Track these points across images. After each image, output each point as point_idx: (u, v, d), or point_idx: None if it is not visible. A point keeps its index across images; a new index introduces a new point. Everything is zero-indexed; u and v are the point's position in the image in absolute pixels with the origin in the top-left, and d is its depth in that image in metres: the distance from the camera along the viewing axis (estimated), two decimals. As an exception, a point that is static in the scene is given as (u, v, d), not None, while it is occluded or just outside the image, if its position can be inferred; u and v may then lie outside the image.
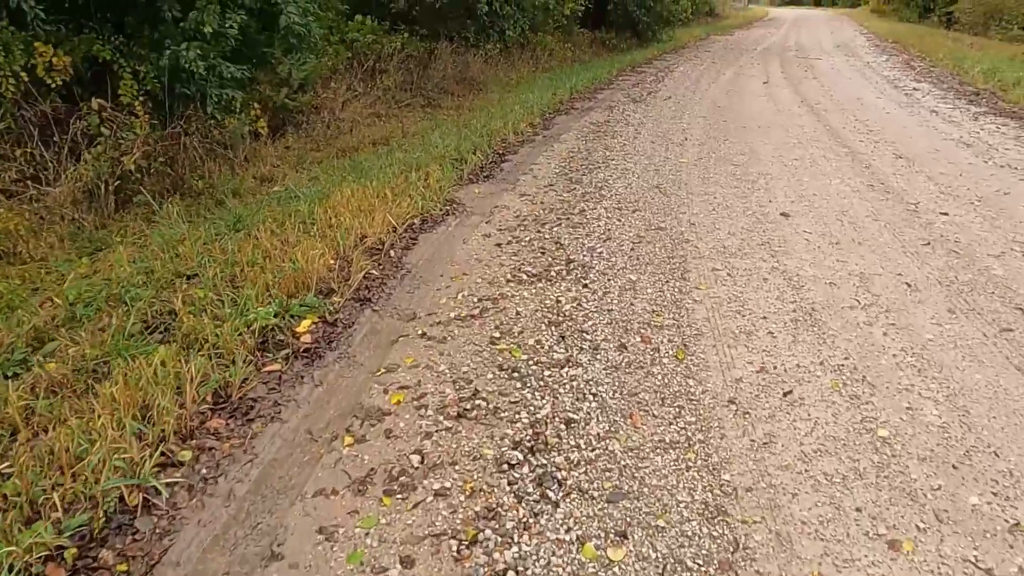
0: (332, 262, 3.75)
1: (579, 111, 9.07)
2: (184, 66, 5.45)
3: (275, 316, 3.06)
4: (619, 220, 4.55)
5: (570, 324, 3.11)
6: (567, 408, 2.47)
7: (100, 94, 5.49)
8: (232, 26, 5.63)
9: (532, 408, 2.47)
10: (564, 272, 3.69)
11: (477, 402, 2.51)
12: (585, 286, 3.50)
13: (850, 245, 4.05)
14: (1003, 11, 20.61)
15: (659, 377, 2.66)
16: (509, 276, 3.66)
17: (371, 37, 10.89)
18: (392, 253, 4.01)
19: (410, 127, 7.84)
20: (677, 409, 2.45)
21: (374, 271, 3.72)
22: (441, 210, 4.80)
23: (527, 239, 4.23)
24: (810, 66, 14.31)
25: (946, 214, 4.62)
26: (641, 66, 14.82)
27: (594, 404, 2.48)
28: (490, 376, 2.69)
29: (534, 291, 3.47)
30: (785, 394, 2.52)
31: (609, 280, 3.58)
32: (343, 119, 7.66)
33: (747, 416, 2.40)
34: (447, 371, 2.74)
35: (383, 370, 2.76)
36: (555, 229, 4.39)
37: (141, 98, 5.54)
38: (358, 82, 8.93)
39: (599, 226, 4.44)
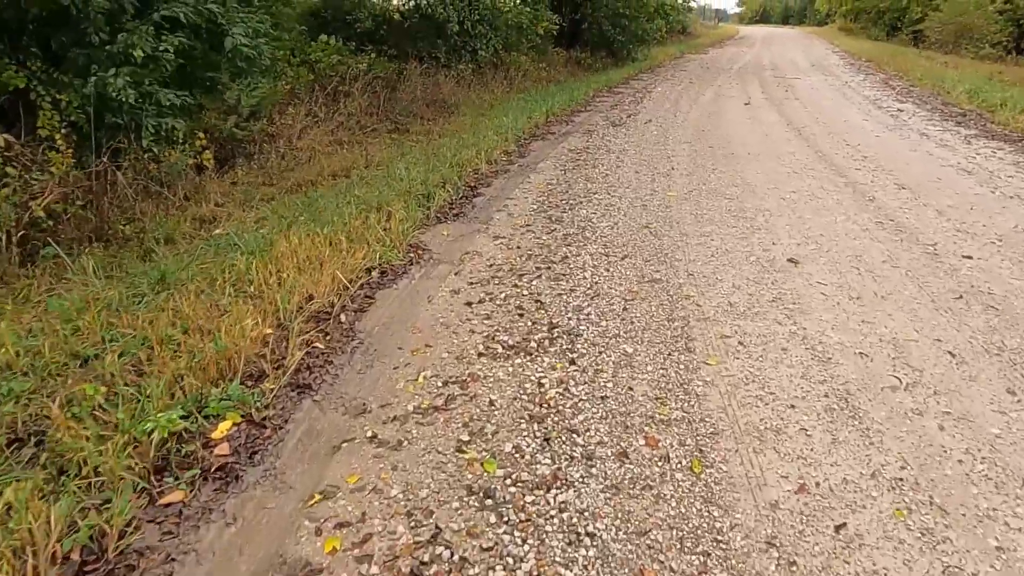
0: (269, 332, 3.13)
1: (556, 136, 8.55)
2: (111, 94, 4.80)
3: (184, 418, 2.42)
4: (607, 270, 3.98)
5: (556, 419, 2.51)
6: (557, 558, 1.86)
7: (15, 127, 4.83)
8: (167, 49, 4.99)
9: (510, 560, 1.86)
10: (547, 341, 3.10)
11: (438, 550, 1.90)
12: (572, 362, 2.92)
13: (873, 300, 3.52)
14: (973, 30, 20.75)
15: (673, 503, 2.07)
16: (481, 347, 3.07)
17: (335, 58, 10.32)
18: (343, 318, 3.39)
19: (375, 155, 7.24)
20: (702, 559, 1.86)
21: (319, 343, 3.10)
22: (404, 258, 4.19)
23: (502, 295, 3.64)
24: (789, 86, 14.04)
25: (970, 257, 4.14)
26: (618, 86, 14.44)
27: (592, 552, 1.88)
28: (456, 505, 2.08)
29: (511, 369, 2.88)
30: (837, 529, 1.95)
31: (601, 353, 3.00)
32: (301, 148, 7.04)
33: (794, 569, 1.82)
34: (401, 497, 2.12)
35: (318, 496, 2.13)
36: (534, 282, 3.81)
37: (64, 130, 4.88)
38: (319, 107, 8.32)
39: (585, 278, 3.87)
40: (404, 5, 12.70)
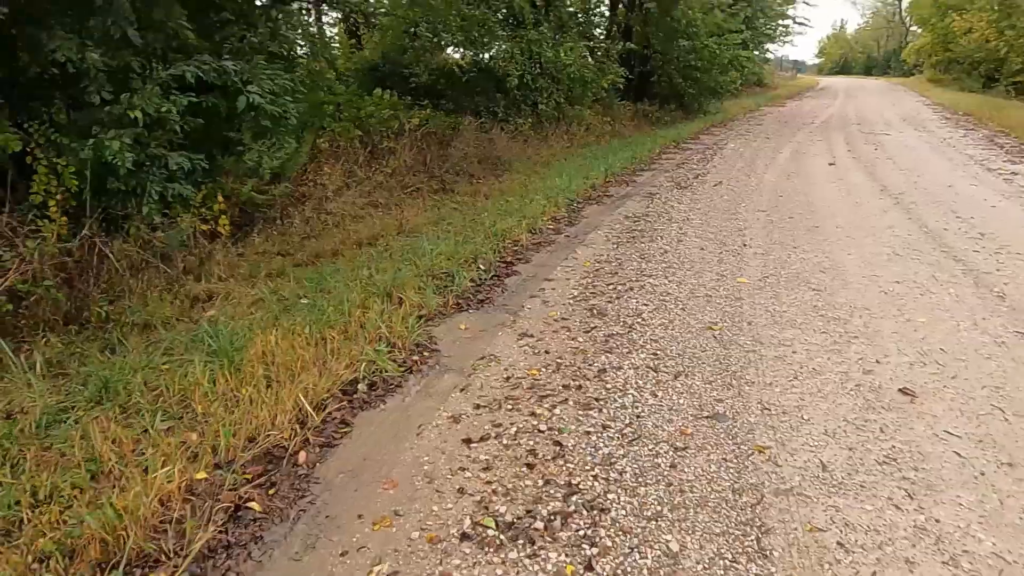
0: (203, 478, 2.40)
1: (614, 199, 7.75)
2: (108, 158, 4.34)
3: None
4: (655, 394, 3.09)
5: None
6: None
7: (7, 193, 4.45)
8: (169, 110, 4.52)
9: None
10: (558, 520, 2.23)
11: None
12: (590, 566, 2.03)
13: (1035, 470, 2.48)
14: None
15: None
16: (468, 523, 2.22)
17: (388, 112, 9.96)
18: (303, 456, 2.63)
19: (411, 219, 6.62)
20: None
21: (255, 503, 2.34)
22: (404, 363, 3.43)
23: (512, 430, 2.80)
24: (879, 143, 12.80)
25: None
26: (687, 142, 13.58)
27: None
28: None
29: (501, 572, 2.02)
30: None
31: (633, 550, 2.09)
32: (331, 212, 6.50)
33: None
34: None
35: None
36: (557, 411, 2.95)
37: (58, 196, 4.47)
38: (360, 165, 7.85)
39: (623, 406, 2.98)
40: (463, 59, 12.36)
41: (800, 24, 42.74)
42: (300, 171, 6.80)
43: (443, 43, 10.55)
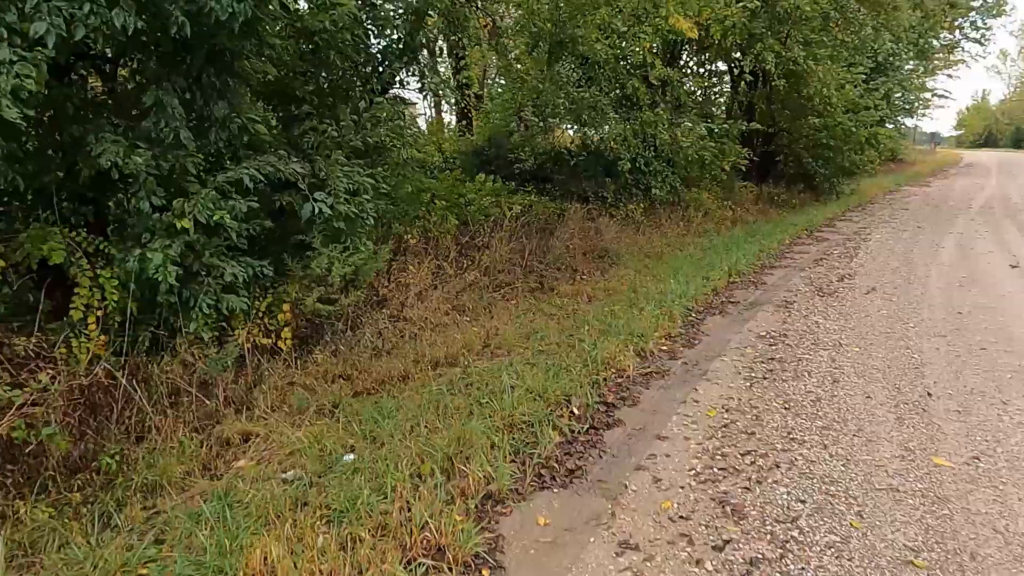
0: None
1: (740, 308, 6.52)
2: (150, 272, 3.80)
3: None
4: None
5: None
6: None
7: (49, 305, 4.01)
8: (223, 217, 3.95)
9: None
10: None
11: None
12: None
13: None
14: None
15: None
16: None
17: (489, 200, 9.36)
18: None
19: (501, 329, 5.76)
20: None
21: None
22: (451, 591, 2.43)
23: None
24: (1067, 236, 10.70)
25: None
26: (822, 229, 12.06)
27: None
28: None
29: None
30: None
31: None
32: (410, 319, 5.75)
33: None
34: None
35: None
36: None
37: (100, 312, 3.97)
38: (451, 260, 7.15)
39: None
40: (572, 142, 11.71)
41: (941, 97, 39.58)
42: (384, 271, 6.16)
43: (551, 126, 9.94)
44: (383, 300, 5.84)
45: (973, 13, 24.24)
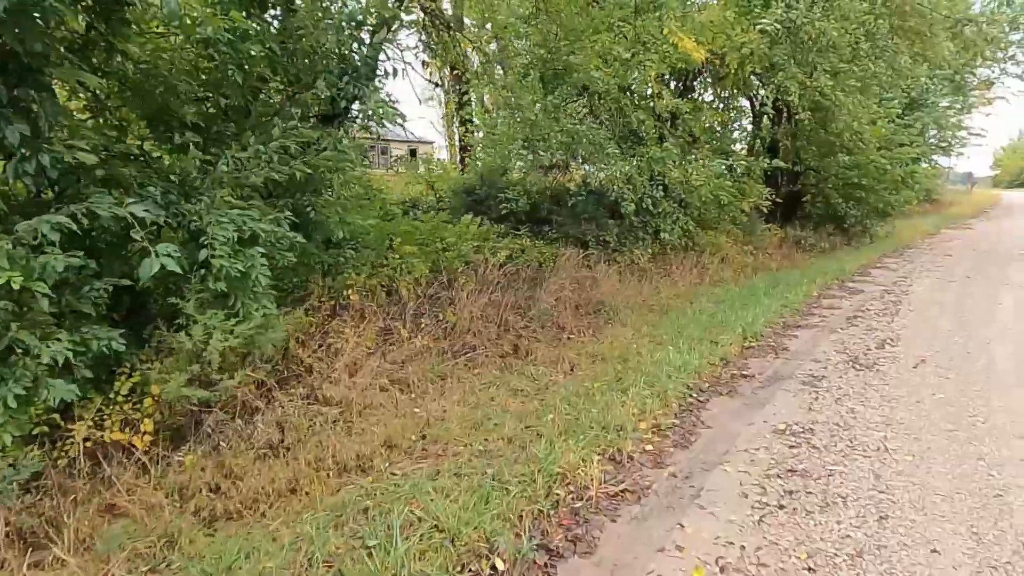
0: None
1: (755, 386, 5.22)
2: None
3: None
4: None
5: None
6: None
7: None
8: (28, 279, 2.85)
9: None
10: None
11: None
12: None
13: None
14: None
15: None
16: None
17: (471, 244, 8.24)
18: None
19: (448, 414, 4.56)
20: None
21: None
22: None
23: None
24: None
25: None
26: (855, 278, 10.68)
27: None
28: None
29: None
30: None
31: None
32: (332, 399, 4.57)
33: None
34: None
35: None
36: None
37: None
38: (409, 319, 5.98)
39: None
40: (569, 180, 10.59)
41: (977, 135, 37.86)
42: (309, 336, 5.02)
43: (545, 162, 8.86)
44: (292, 378, 4.66)
45: (1014, 47, 22.84)
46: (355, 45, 5.27)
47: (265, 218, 4.10)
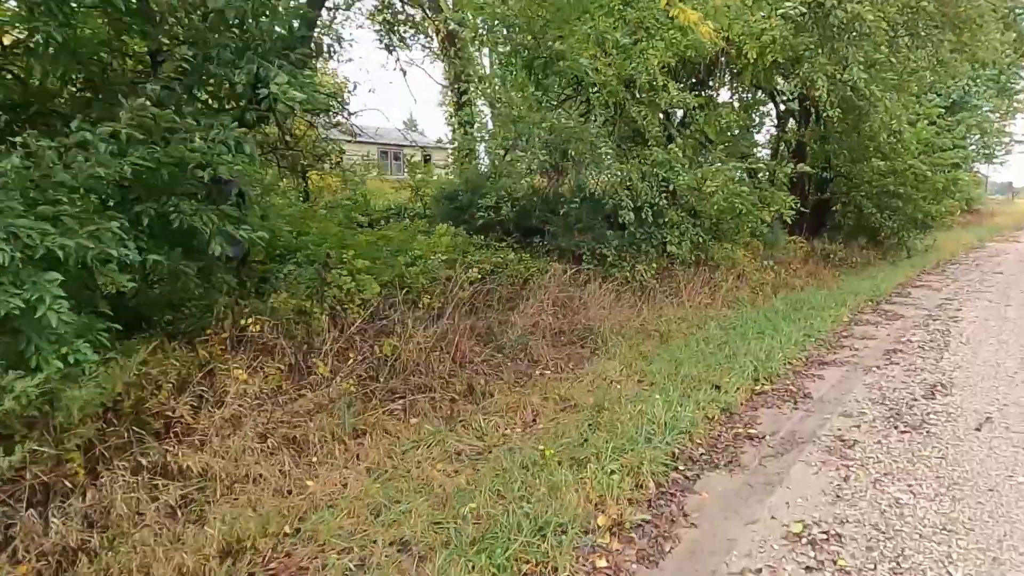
0: None
1: (763, 453, 3.97)
2: None
3: None
4: None
5: None
6: None
7: None
8: None
9: None
10: None
11: None
12: None
13: None
14: None
15: None
16: None
17: (442, 258, 7.11)
18: None
19: (343, 493, 3.42)
20: None
21: None
22: None
23: None
24: None
25: None
26: (892, 300, 9.30)
27: None
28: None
29: None
30: None
31: None
32: (192, 469, 3.42)
33: None
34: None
35: None
36: None
37: None
38: (331, 354, 4.83)
39: None
40: (561, 184, 9.39)
41: (1021, 143, 35.79)
42: (182, 381, 3.89)
43: (528, 164, 7.70)
44: (153, 435, 3.53)
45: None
46: (258, 8, 4.17)
47: (84, 230, 3.01)
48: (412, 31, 7.55)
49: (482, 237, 8.22)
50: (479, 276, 6.96)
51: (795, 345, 6.35)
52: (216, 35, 4.08)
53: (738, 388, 4.99)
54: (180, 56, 3.65)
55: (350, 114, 8.72)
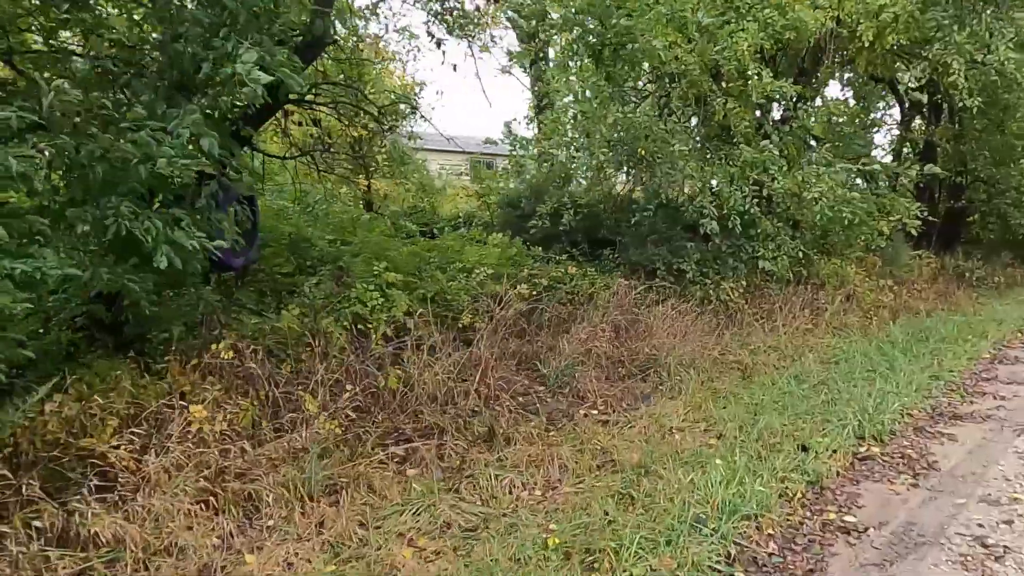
0: None
1: (866, 556, 2.81)
2: None
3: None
4: None
5: None
6: None
7: None
8: None
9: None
10: None
11: None
12: None
13: None
14: None
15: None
16: None
17: (489, 272, 6.36)
18: None
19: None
20: None
21: None
22: None
23: None
24: None
25: None
26: (1050, 333, 7.52)
27: None
28: None
29: None
30: None
31: None
32: (102, 536, 2.76)
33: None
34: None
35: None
36: None
37: None
38: (327, 383, 4.11)
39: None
40: (627, 188, 8.33)
41: None
42: (131, 419, 3.27)
43: (586, 165, 6.71)
44: (61, 488, 2.90)
45: None
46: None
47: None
48: (465, 21, 6.79)
49: (540, 249, 7.35)
50: (532, 292, 6.09)
51: (917, 390, 5.00)
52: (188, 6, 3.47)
53: (834, 450, 3.80)
54: (114, 31, 3.04)
55: (421, 118, 8.11)
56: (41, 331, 3.90)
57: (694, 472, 3.44)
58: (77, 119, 2.89)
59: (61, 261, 2.84)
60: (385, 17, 11.68)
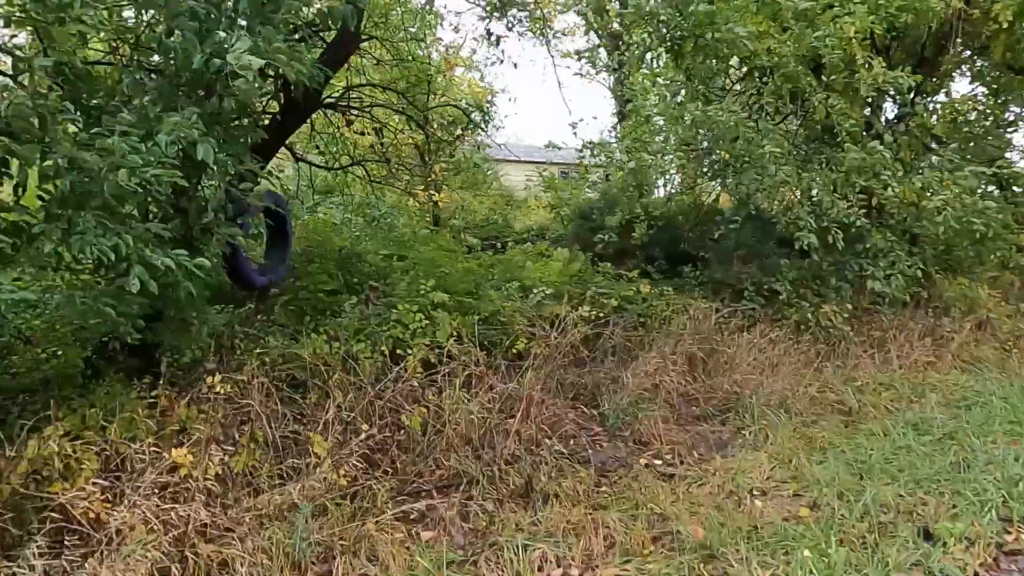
0: None
1: None
2: None
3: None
4: None
5: None
6: None
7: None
8: None
9: None
10: None
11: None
12: None
13: None
14: None
15: None
16: None
17: (541, 291, 5.82)
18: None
19: None
20: None
21: None
22: None
23: None
24: None
25: None
26: None
27: None
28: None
29: None
30: None
31: None
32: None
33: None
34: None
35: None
36: None
37: None
38: (340, 423, 3.61)
39: None
40: (712, 198, 7.43)
41: None
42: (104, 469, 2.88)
43: (659, 171, 5.96)
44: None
45: None
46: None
47: None
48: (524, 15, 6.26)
49: (611, 265, 6.66)
50: (597, 314, 5.39)
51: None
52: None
53: (969, 540, 2.88)
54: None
55: (494, 127, 7.69)
56: (58, 352, 3.67)
57: (775, 561, 2.65)
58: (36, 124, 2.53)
59: (16, 284, 2.48)
60: (447, 20, 11.31)
